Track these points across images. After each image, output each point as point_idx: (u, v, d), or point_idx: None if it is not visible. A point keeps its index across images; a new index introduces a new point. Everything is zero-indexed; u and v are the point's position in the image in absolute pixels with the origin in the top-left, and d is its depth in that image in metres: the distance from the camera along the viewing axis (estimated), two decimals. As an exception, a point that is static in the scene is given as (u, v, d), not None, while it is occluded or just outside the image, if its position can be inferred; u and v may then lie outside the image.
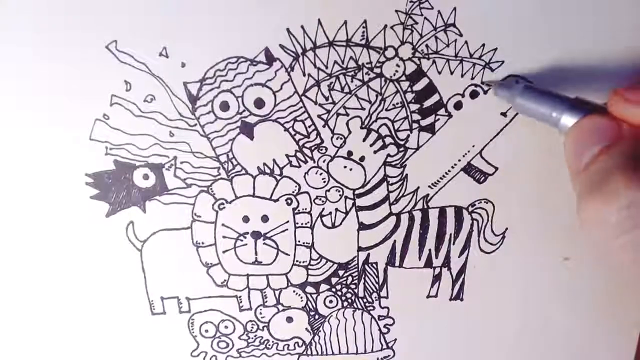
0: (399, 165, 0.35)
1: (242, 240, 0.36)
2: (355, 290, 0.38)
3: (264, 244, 0.36)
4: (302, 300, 0.38)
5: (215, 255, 0.37)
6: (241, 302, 0.38)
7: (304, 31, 0.32)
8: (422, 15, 0.32)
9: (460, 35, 0.32)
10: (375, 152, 0.35)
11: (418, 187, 0.36)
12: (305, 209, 0.36)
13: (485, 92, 0.34)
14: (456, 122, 0.34)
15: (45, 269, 0.36)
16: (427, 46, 0.33)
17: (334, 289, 0.38)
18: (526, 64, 0.33)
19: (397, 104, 0.34)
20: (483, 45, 0.33)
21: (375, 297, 0.38)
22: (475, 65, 0.33)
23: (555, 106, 0.30)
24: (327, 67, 0.33)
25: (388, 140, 0.35)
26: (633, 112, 0.28)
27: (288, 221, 0.36)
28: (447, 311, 0.38)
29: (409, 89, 0.34)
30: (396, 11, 0.32)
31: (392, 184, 0.36)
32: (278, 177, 0.35)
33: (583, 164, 0.29)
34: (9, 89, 0.32)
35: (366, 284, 0.38)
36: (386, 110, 0.34)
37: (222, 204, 0.36)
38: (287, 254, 0.37)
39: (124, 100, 0.33)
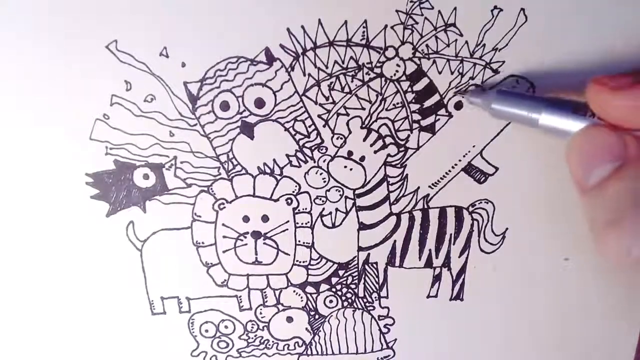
0: (399, 165, 0.35)
1: (242, 240, 0.36)
2: (356, 290, 0.38)
3: (264, 243, 0.36)
4: (302, 300, 0.38)
5: (215, 255, 0.37)
6: (241, 302, 0.38)
7: (304, 31, 0.32)
8: (422, 15, 0.32)
9: (461, 35, 0.32)
10: (375, 152, 0.35)
11: (418, 187, 0.36)
12: (306, 208, 0.36)
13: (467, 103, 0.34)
14: (456, 122, 0.34)
15: (45, 269, 0.36)
16: (427, 46, 0.33)
17: (334, 289, 0.38)
18: (528, 64, 0.33)
19: (398, 104, 0.34)
20: (484, 45, 0.33)
21: (375, 297, 0.38)
22: (475, 65, 0.33)
23: (531, 106, 0.30)
24: (327, 67, 0.33)
25: (388, 140, 0.35)
26: (619, 101, 0.27)
27: (288, 221, 0.36)
28: (447, 311, 0.39)
29: (409, 89, 0.34)
30: (396, 11, 0.32)
31: (392, 184, 0.36)
32: (278, 177, 0.35)
33: (591, 184, 0.28)
34: (9, 89, 0.32)
35: (366, 284, 0.38)
36: (386, 110, 0.34)
37: (222, 203, 0.36)
38: (287, 254, 0.37)
39: (124, 100, 0.33)
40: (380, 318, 0.39)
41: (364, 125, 0.34)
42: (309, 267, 0.37)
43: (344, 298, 0.38)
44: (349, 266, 0.37)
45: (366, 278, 0.38)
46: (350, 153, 0.35)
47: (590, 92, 0.28)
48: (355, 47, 0.32)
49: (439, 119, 0.34)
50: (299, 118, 0.34)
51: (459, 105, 0.34)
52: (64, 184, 0.34)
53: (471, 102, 0.33)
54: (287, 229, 0.36)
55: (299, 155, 0.35)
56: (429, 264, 0.37)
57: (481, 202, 0.36)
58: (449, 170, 0.35)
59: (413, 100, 0.34)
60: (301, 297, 0.38)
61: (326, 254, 0.37)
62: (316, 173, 0.35)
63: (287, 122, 0.34)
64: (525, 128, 0.34)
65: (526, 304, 0.38)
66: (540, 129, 0.30)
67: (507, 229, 0.37)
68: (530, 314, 0.39)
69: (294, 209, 0.36)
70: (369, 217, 0.36)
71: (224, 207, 0.36)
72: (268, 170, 0.35)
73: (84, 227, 0.35)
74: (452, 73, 0.33)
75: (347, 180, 0.35)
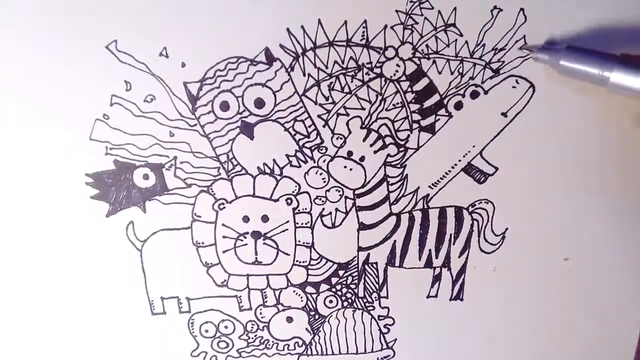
0: (399, 165, 0.35)
1: (242, 240, 0.36)
2: (355, 290, 0.38)
3: (264, 243, 0.36)
4: (302, 300, 0.38)
5: (215, 255, 0.37)
6: (241, 302, 0.38)
7: (304, 31, 0.32)
8: (422, 15, 0.32)
9: (461, 35, 0.32)
10: (375, 152, 0.35)
11: (418, 187, 0.36)
12: (305, 209, 0.36)
13: (486, 93, 0.34)
14: (456, 122, 0.34)
15: (46, 269, 0.36)
16: (427, 46, 0.33)
17: (334, 289, 0.38)
18: (528, 64, 0.33)
19: (397, 104, 0.34)
20: (483, 45, 0.33)
21: (375, 297, 0.38)
22: (475, 65, 0.33)
23: (602, 63, 0.29)
24: (327, 67, 0.33)
25: (388, 140, 0.35)
26: None
27: (288, 221, 0.36)
28: (447, 311, 0.38)
29: (409, 89, 0.34)
30: (396, 11, 0.32)
31: (392, 184, 0.36)
32: (278, 177, 0.35)
33: None
34: (9, 89, 0.32)
35: (366, 284, 0.38)
36: (386, 110, 0.34)
37: (222, 203, 0.36)
38: (287, 254, 0.37)
39: (124, 100, 0.33)
40: (380, 318, 0.39)
41: (363, 125, 0.34)
42: (309, 267, 0.37)
43: (344, 298, 0.38)
44: (349, 266, 0.37)
45: (366, 278, 0.38)
46: (350, 153, 0.35)
47: None
48: (355, 47, 0.33)
49: (439, 119, 0.34)
50: (298, 118, 0.34)
51: (459, 105, 0.34)
52: (64, 184, 0.34)
53: (538, 59, 0.32)
54: (287, 229, 0.36)
55: (299, 155, 0.35)
56: (429, 264, 0.37)
57: (481, 202, 0.36)
58: (449, 170, 0.35)
59: (413, 100, 0.34)
60: (301, 297, 0.38)
61: (326, 254, 0.37)
62: (316, 173, 0.35)
63: (287, 122, 0.34)
64: (525, 128, 0.34)
65: (526, 304, 0.38)
66: (609, 87, 0.29)
67: (507, 229, 0.37)
68: (530, 314, 0.39)
69: (294, 209, 0.36)
70: (369, 217, 0.36)
71: (224, 207, 0.36)
72: (268, 171, 0.35)
73: (84, 227, 0.35)
74: (452, 73, 0.33)
75: (347, 180, 0.35)
